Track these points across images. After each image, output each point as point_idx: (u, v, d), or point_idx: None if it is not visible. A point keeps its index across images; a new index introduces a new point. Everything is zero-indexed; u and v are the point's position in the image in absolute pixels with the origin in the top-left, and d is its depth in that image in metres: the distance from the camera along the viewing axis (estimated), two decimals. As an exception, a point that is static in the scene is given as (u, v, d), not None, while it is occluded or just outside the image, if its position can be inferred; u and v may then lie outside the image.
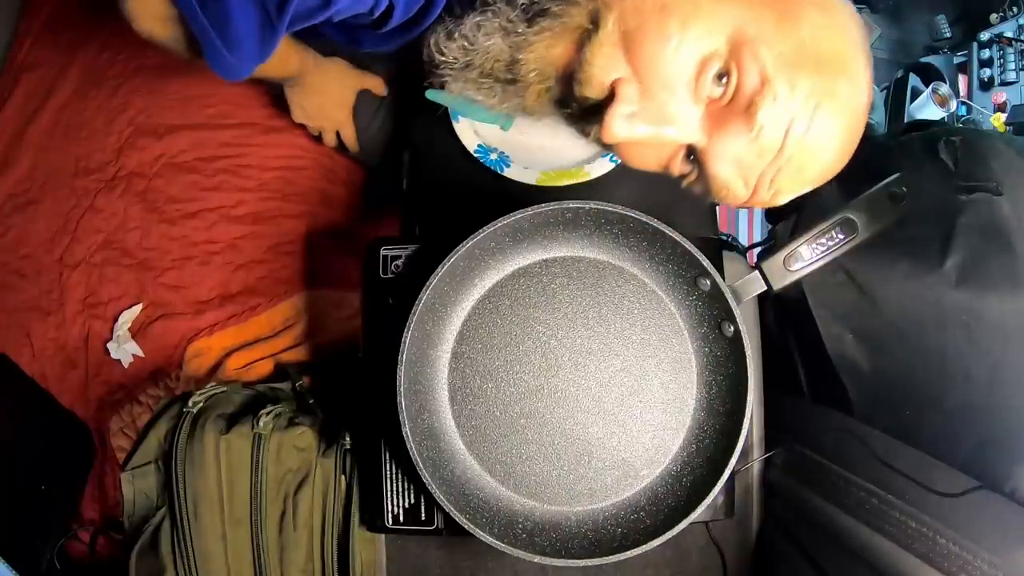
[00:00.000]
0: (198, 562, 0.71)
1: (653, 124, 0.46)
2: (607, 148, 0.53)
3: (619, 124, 0.45)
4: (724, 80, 0.45)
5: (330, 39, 0.73)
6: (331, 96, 0.88)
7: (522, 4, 0.49)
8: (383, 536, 0.72)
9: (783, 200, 0.50)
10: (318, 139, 1.00)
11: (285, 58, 0.68)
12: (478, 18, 0.51)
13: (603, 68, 0.46)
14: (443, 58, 0.54)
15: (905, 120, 1.18)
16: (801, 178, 0.48)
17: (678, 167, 0.51)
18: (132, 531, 0.75)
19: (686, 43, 0.44)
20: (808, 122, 0.44)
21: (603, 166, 0.73)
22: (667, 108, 0.45)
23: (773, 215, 1.00)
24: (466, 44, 0.52)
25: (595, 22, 0.46)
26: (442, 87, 0.74)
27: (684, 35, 0.44)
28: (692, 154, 0.49)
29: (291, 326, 1.09)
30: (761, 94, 0.43)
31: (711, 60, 0.44)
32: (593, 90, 0.47)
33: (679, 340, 0.61)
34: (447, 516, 0.56)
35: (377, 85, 0.90)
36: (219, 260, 1.13)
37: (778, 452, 0.72)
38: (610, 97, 0.46)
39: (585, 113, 0.50)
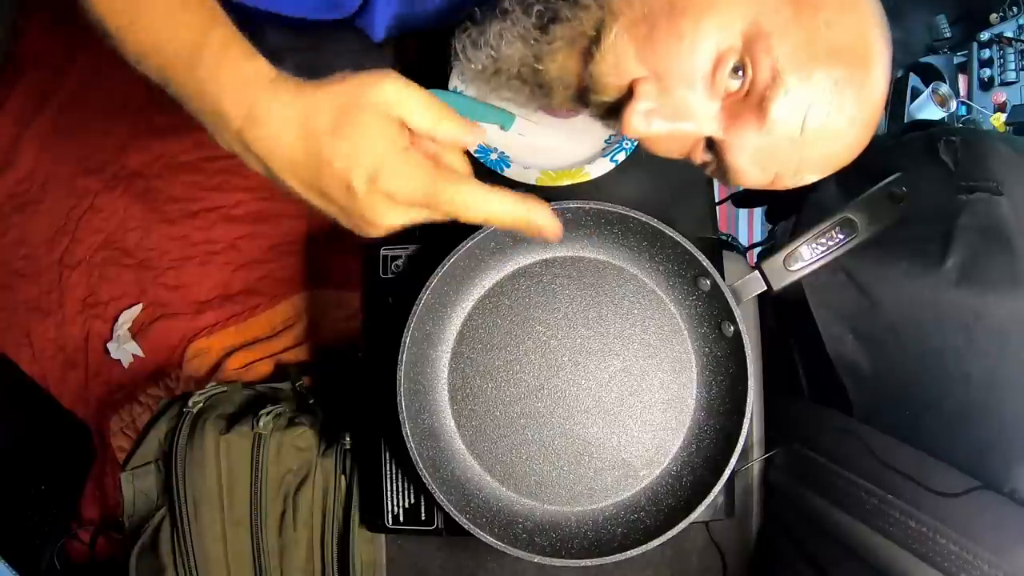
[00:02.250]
0: (198, 562, 0.71)
1: (671, 119, 0.47)
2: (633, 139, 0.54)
3: (637, 120, 0.46)
4: (740, 73, 0.45)
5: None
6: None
7: (537, 11, 0.50)
8: (383, 536, 0.72)
9: (806, 183, 0.51)
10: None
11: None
12: (499, 26, 0.52)
13: (615, 75, 0.47)
14: (472, 66, 0.54)
15: (905, 120, 1.18)
16: (822, 164, 0.49)
17: (699, 156, 0.52)
18: (132, 531, 0.75)
19: (700, 40, 0.44)
20: (826, 112, 0.45)
21: (603, 166, 0.73)
22: (685, 103, 0.46)
23: (773, 215, 1.00)
24: (491, 52, 0.53)
25: (598, 31, 0.47)
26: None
27: (697, 33, 0.44)
28: (711, 144, 0.49)
29: (291, 326, 1.09)
30: (772, 88, 0.44)
31: (727, 55, 0.45)
32: (609, 94, 0.48)
33: (679, 340, 0.61)
34: (447, 516, 0.56)
35: None
36: (219, 260, 1.13)
37: (778, 452, 0.72)
38: (629, 95, 0.47)
39: (609, 111, 0.51)
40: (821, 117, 0.45)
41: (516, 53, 0.51)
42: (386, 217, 0.40)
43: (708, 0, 0.44)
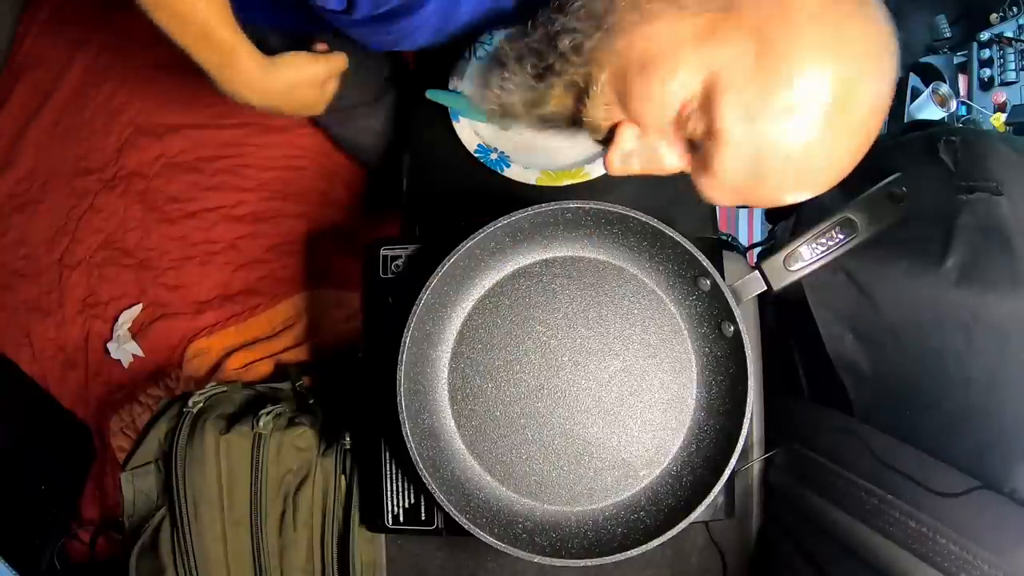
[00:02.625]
0: (198, 562, 0.71)
1: (646, 161, 0.51)
2: None
3: (616, 162, 0.51)
4: (698, 122, 0.48)
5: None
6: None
7: (531, 63, 0.54)
8: (383, 536, 0.72)
9: (785, 204, 0.50)
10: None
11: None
12: (500, 76, 0.56)
13: (603, 118, 0.51)
14: (483, 105, 0.59)
15: (905, 120, 1.18)
16: (795, 192, 0.49)
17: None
18: (132, 531, 0.75)
19: (666, 91, 0.47)
20: (786, 157, 0.45)
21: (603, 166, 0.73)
22: (658, 146, 0.51)
23: (773, 215, 1.00)
24: (496, 98, 0.57)
25: (587, 82, 0.51)
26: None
27: (663, 85, 0.47)
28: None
29: (291, 326, 1.09)
30: (713, 142, 0.46)
31: (690, 103, 0.47)
32: (601, 133, 0.53)
33: (679, 340, 0.61)
34: (447, 516, 0.56)
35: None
36: (219, 260, 1.13)
37: (778, 452, 0.72)
38: (611, 135, 0.51)
39: (602, 142, 0.55)
40: (780, 161, 0.45)
41: (518, 100, 0.56)
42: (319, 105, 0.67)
43: (672, 52, 0.46)
